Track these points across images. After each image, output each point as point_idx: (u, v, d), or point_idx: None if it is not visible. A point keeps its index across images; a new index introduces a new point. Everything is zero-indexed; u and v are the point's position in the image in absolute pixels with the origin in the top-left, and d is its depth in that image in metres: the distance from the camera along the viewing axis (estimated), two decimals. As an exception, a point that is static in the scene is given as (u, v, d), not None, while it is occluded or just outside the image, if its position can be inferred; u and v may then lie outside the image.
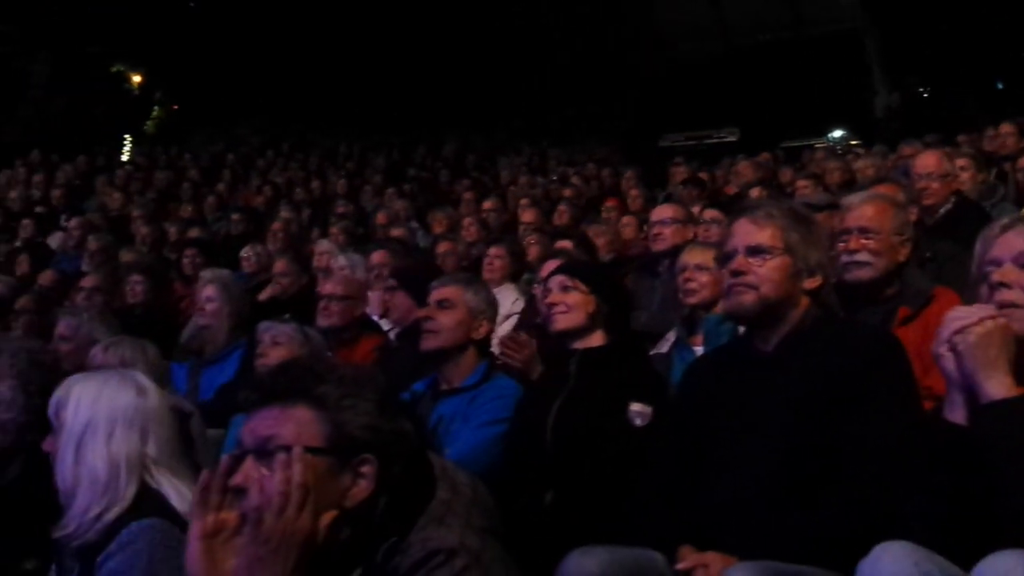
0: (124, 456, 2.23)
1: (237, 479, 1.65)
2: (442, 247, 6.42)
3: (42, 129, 14.74)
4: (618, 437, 2.84)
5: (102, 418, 2.25)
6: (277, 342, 3.88)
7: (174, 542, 2.04)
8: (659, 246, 5.15)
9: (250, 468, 1.65)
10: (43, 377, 2.75)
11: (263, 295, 6.36)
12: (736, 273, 2.45)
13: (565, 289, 3.19)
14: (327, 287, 4.97)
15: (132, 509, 2.19)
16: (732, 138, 16.34)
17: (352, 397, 1.71)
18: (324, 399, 1.70)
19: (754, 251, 2.46)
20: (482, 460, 2.99)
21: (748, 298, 2.43)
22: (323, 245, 7.20)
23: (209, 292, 4.93)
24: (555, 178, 11.84)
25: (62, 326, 4.27)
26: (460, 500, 1.76)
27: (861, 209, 3.37)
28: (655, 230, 5.22)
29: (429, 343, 3.45)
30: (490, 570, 1.69)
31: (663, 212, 5.33)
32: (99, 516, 2.17)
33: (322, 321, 4.71)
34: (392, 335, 4.79)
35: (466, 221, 7.82)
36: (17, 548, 2.60)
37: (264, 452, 1.66)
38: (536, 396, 3.13)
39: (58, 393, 2.31)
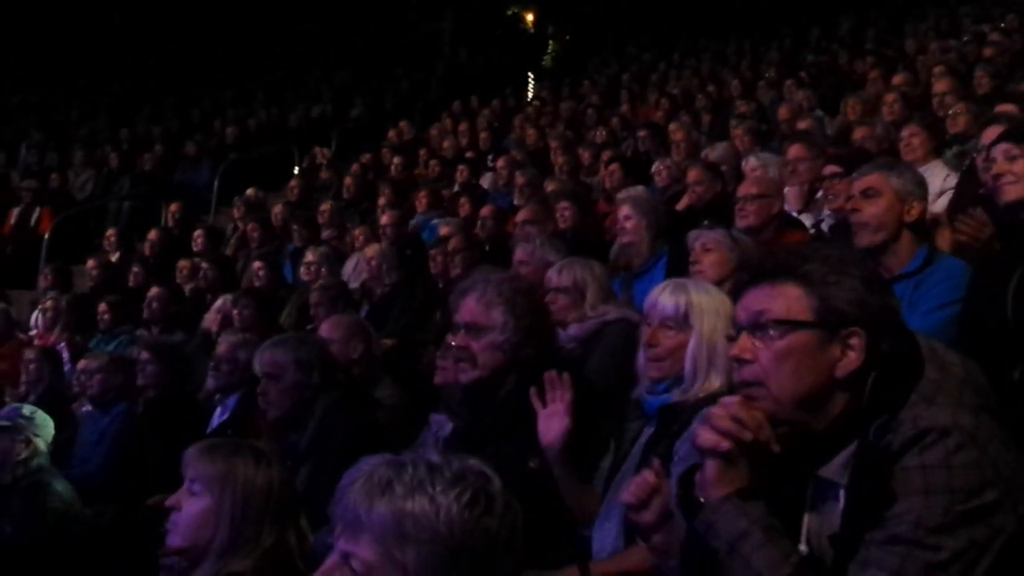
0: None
1: (734, 352, 1.84)
2: (859, 132, 6.21)
3: (457, 81, 16.14)
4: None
5: (720, 316, 2.74)
6: (707, 248, 4.04)
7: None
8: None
9: (745, 342, 1.83)
10: (526, 300, 3.17)
11: (680, 205, 6.58)
12: None
13: (1012, 158, 3.01)
14: (741, 188, 5.05)
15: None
16: None
17: (837, 274, 1.79)
18: (810, 276, 1.80)
19: None
20: (936, 343, 2.95)
21: None
22: (719, 149, 7.28)
23: (625, 211, 5.16)
24: (968, 39, 10.76)
25: (520, 252, 4.80)
26: (950, 379, 1.77)
27: None
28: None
29: (862, 234, 3.43)
30: (987, 448, 1.68)
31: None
32: (706, 389, 2.69)
33: (740, 223, 4.79)
34: (824, 227, 4.78)
35: (888, 98, 7.39)
36: (522, 450, 3.04)
37: (757, 326, 1.82)
38: (990, 273, 3.01)
39: (675, 298, 2.82)
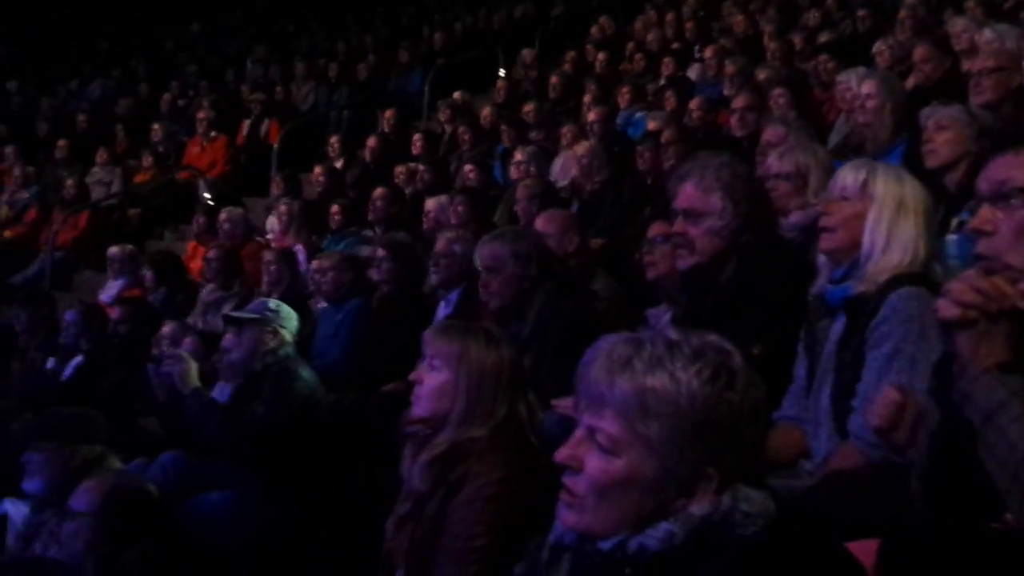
0: (918, 235, 2.63)
1: (974, 223, 1.78)
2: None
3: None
4: None
5: (909, 198, 2.66)
6: (941, 126, 3.85)
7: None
8: None
9: (986, 213, 1.77)
10: (745, 185, 3.14)
11: (906, 84, 6.21)
12: None
13: None
14: (977, 62, 4.72)
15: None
16: None
17: None
18: None
19: None
20: None
21: None
22: (958, 24, 6.75)
23: (868, 89, 4.86)
24: None
25: (770, 133, 4.75)
26: None
27: None
28: None
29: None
30: None
31: None
32: (885, 267, 2.59)
33: (976, 99, 4.50)
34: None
35: None
36: (742, 336, 2.98)
37: (1000, 195, 1.76)
38: None
39: (856, 172, 2.73)
